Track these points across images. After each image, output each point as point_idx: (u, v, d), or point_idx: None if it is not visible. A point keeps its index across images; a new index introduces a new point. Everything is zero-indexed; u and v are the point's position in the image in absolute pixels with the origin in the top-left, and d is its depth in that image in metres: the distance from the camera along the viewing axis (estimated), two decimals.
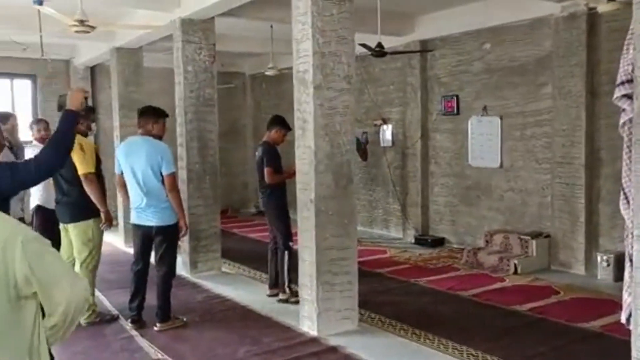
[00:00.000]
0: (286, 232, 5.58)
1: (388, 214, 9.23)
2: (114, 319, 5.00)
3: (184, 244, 6.74)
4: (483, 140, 7.63)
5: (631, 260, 2.83)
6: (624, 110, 2.93)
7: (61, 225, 4.91)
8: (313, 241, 4.51)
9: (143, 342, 4.49)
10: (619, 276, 5.54)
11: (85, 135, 4.88)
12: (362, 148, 8.08)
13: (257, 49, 9.67)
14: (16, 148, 5.85)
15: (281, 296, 5.56)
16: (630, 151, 2.87)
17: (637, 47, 2.73)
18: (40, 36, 6.84)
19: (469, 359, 4.10)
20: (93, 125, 5.09)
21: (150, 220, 4.74)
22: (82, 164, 4.63)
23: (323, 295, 4.54)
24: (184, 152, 6.62)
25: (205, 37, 6.66)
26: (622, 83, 2.90)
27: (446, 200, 8.30)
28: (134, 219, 4.85)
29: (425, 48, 8.19)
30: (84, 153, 4.63)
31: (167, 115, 4.94)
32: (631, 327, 2.87)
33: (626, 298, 2.95)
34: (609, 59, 6.08)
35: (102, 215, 4.76)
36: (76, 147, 4.51)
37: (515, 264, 6.54)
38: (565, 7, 6.42)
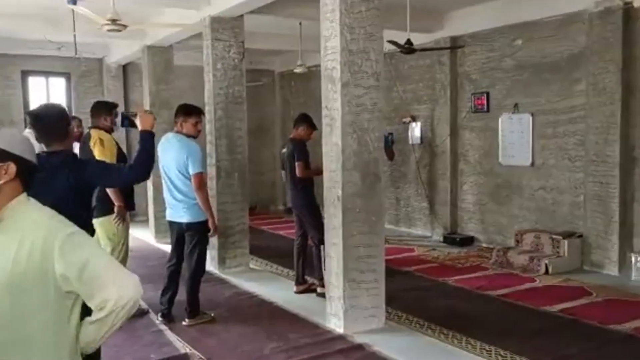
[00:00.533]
0: (319, 227, 5.61)
1: (416, 212, 9.17)
2: (144, 313, 5.07)
3: (213, 240, 6.81)
4: (514, 138, 7.51)
5: None
6: None
7: None
8: (340, 238, 4.51)
9: (172, 336, 4.56)
10: None
11: (110, 130, 4.96)
12: (390, 147, 8.01)
13: (285, 47, 9.70)
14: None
15: (319, 290, 5.57)
16: None
17: None
18: (74, 35, 6.98)
19: None
20: (117, 120, 5.13)
21: (182, 216, 4.81)
22: (100, 158, 4.71)
23: (350, 292, 4.54)
24: (213, 149, 6.68)
25: (235, 35, 6.71)
26: None
27: (476, 198, 8.20)
28: (168, 215, 4.97)
29: (455, 45, 8.09)
30: (104, 147, 4.73)
31: (197, 113, 4.90)
32: None
33: None
34: None
35: (116, 209, 4.79)
36: (97, 141, 4.69)
37: (546, 264, 6.43)
38: (600, 2, 6.27)
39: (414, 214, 9.23)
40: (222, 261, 6.68)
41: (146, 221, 9.30)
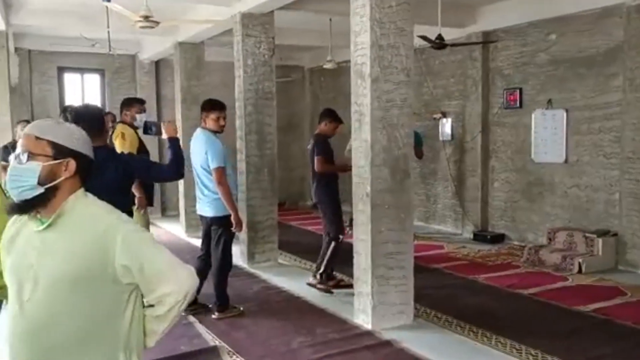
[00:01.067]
0: (337, 223, 5.65)
1: (446, 209, 9.08)
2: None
3: (241, 234, 6.88)
4: (547, 134, 7.38)
5: None
6: None
7: None
8: (368, 235, 4.50)
9: (202, 329, 4.62)
10: None
11: (131, 125, 5.07)
12: (419, 147, 7.82)
13: (315, 42, 9.70)
14: None
15: (311, 280, 5.69)
16: None
17: None
18: (108, 32, 7.10)
19: (528, 359, 4.00)
20: (138, 116, 5.25)
21: (207, 211, 4.88)
22: (120, 150, 4.84)
23: (378, 288, 4.53)
24: (243, 145, 6.73)
25: (265, 31, 6.74)
26: None
27: (507, 195, 8.08)
28: (197, 209, 5.06)
29: (487, 39, 7.98)
30: (125, 141, 4.95)
31: (218, 108, 4.86)
32: None
33: None
34: None
35: (137, 200, 4.92)
36: (118, 135, 4.92)
37: (579, 263, 6.30)
38: None
39: (443, 210, 9.14)
40: (251, 256, 6.73)
41: (177, 216, 9.44)
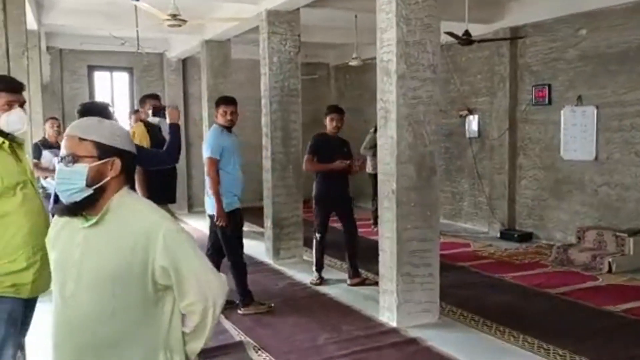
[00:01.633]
0: (317, 220, 5.81)
1: (473, 207, 9.00)
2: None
3: (267, 231, 6.92)
4: (577, 131, 7.24)
5: None
6: None
7: None
8: (394, 232, 4.48)
9: (228, 324, 4.66)
10: None
11: (146, 122, 5.10)
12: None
13: (341, 40, 9.68)
14: None
15: (349, 282, 5.76)
16: None
17: None
18: (137, 31, 7.21)
19: (555, 359, 3.94)
20: (150, 112, 5.20)
21: (208, 207, 4.96)
22: None
23: (403, 286, 4.51)
24: (268, 142, 6.76)
25: (291, 29, 6.76)
26: None
27: (535, 193, 7.97)
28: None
29: (515, 35, 7.87)
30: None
31: (224, 103, 4.91)
32: None
33: None
34: None
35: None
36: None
37: (609, 262, 6.18)
38: None
39: (470, 208, 9.06)
40: (276, 252, 6.77)
41: (203, 212, 9.49)
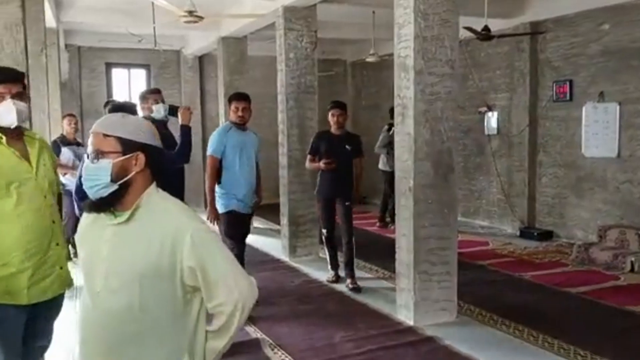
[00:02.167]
0: (320, 218, 5.83)
1: (491, 205, 8.89)
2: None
3: (283, 228, 6.91)
4: (599, 128, 7.11)
5: None
6: None
7: None
8: (411, 230, 4.43)
9: None
10: None
11: (150, 119, 5.04)
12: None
13: (358, 36, 9.63)
14: None
15: (331, 277, 5.79)
16: None
17: None
18: (154, 28, 7.23)
19: (576, 359, 3.88)
20: (154, 107, 5.02)
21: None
22: None
23: (420, 285, 4.46)
24: (285, 139, 6.74)
25: (307, 25, 6.72)
26: None
27: (555, 191, 7.84)
28: None
29: (535, 30, 7.74)
30: None
31: (234, 99, 4.89)
32: None
33: None
34: None
35: None
36: None
37: (632, 262, 6.06)
38: None
39: (488, 206, 8.95)
40: (292, 249, 6.75)
41: None
